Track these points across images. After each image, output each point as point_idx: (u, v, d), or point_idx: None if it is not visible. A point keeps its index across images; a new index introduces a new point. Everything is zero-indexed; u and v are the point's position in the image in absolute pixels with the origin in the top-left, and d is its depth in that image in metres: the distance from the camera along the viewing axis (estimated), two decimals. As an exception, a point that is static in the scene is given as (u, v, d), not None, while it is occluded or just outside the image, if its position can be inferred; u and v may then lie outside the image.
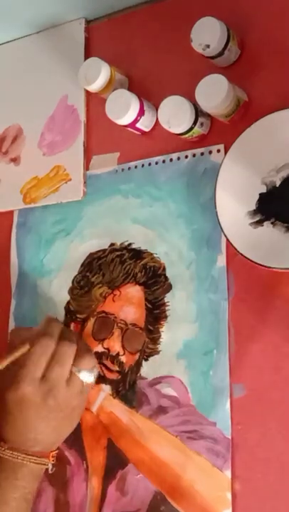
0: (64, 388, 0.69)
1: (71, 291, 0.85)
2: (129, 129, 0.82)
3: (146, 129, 0.83)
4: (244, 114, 0.76)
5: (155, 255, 0.80)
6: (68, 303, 0.85)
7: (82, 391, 0.71)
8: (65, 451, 0.81)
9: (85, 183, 0.87)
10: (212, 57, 0.77)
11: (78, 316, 0.84)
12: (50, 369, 0.69)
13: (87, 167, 0.88)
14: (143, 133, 0.83)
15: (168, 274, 0.79)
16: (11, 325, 0.89)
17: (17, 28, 0.96)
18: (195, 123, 0.76)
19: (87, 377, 0.71)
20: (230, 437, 0.71)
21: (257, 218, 0.73)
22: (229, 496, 0.69)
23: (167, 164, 0.81)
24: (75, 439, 0.80)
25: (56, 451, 0.72)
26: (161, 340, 0.77)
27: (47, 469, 0.71)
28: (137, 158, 0.84)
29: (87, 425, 0.80)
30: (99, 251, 0.84)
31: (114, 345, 0.80)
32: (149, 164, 0.83)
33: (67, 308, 0.85)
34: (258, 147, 0.72)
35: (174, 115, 0.76)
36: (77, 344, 0.71)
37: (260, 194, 0.73)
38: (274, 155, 0.73)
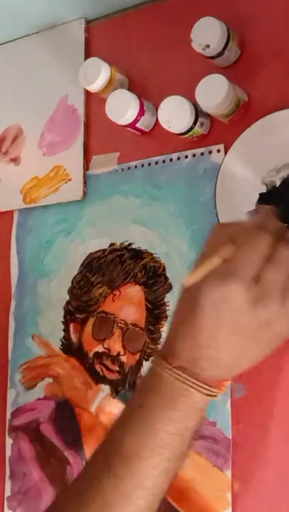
0: (278, 300, 0.52)
1: (71, 291, 0.85)
2: (129, 129, 0.82)
3: (146, 129, 0.83)
4: (244, 114, 0.76)
5: (155, 255, 0.80)
6: (68, 303, 0.85)
7: None
8: (64, 451, 0.81)
9: (85, 183, 0.87)
10: (212, 57, 0.77)
11: (78, 316, 0.84)
12: (265, 270, 0.53)
13: (87, 167, 0.88)
14: (143, 133, 0.83)
15: (168, 274, 0.79)
16: (11, 325, 0.89)
17: (17, 28, 0.96)
18: (195, 123, 0.76)
19: None
20: (230, 437, 0.71)
21: (257, 218, 0.73)
22: (229, 496, 0.69)
23: (167, 164, 0.81)
24: (74, 440, 0.80)
25: (229, 381, 0.57)
26: (161, 340, 0.77)
27: None
28: (137, 158, 0.84)
29: (86, 425, 0.80)
30: (99, 251, 0.84)
31: (115, 345, 0.80)
32: (149, 164, 0.83)
33: (66, 308, 0.85)
34: (258, 147, 0.72)
35: (174, 115, 0.76)
36: None
37: (260, 194, 0.73)
38: (274, 155, 0.73)
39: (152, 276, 0.80)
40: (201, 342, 0.53)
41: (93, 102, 0.89)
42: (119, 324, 0.80)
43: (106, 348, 0.80)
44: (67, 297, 0.86)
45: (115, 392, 0.79)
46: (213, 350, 0.53)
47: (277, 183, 0.73)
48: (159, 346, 0.77)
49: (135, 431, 0.55)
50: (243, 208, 0.73)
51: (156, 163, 0.82)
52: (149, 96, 0.83)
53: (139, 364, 0.78)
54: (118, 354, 0.79)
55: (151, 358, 0.77)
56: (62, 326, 0.85)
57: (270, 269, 0.53)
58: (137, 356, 0.78)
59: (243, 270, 0.52)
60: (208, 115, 0.77)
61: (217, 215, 0.72)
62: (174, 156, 0.81)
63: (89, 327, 0.83)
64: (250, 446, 0.70)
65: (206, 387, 0.54)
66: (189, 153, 0.80)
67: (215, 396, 0.55)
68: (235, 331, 0.53)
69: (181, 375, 0.53)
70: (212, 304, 0.52)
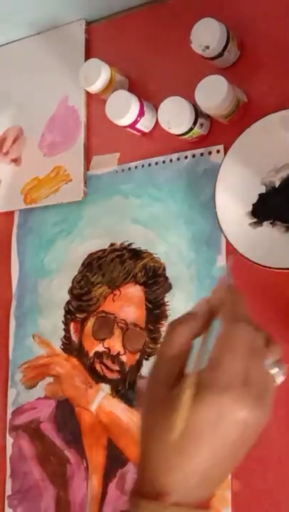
0: (265, 390, 0.47)
1: (71, 290, 0.86)
2: (129, 129, 0.82)
3: (146, 130, 0.83)
4: (244, 115, 0.76)
5: (155, 255, 0.80)
6: (68, 303, 0.86)
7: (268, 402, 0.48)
8: (64, 450, 0.81)
9: (85, 183, 0.87)
10: (212, 58, 0.77)
11: (78, 315, 0.84)
12: (250, 369, 0.46)
13: (87, 167, 0.88)
14: (143, 133, 0.84)
15: (168, 274, 0.79)
16: (12, 325, 0.90)
17: (18, 29, 0.96)
18: (195, 124, 0.76)
19: (280, 374, 0.49)
20: (229, 436, 0.71)
21: (256, 218, 0.73)
22: (229, 494, 0.70)
23: (167, 165, 0.81)
24: (75, 439, 0.80)
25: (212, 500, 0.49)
26: (161, 340, 0.77)
27: None
28: (137, 158, 0.84)
29: (86, 424, 0.80)
30: (99, 251, 0.85)
31: (115, 344, 0.80)
32: (149, 165, 0.83)
33: (67, 308, 0.86)
34: (257, 148, 0.72)
35: (174, 116, 0.76)
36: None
37: (259, 194, 0.74)
38: (273, 155, 0.73)
39: (152, 276, 0.80)
40: (198, 468, 0.45)
41: (93, 102, 0.89)
42: (119, 324, 0.80)
43: (106, 348, 0.81)
44: (67, 297, 0.86)
45: (115, 392, 0.79)
46: (209, 471, 0.45)
47: (277, 184, 0.73)
48: (158, 346, 0.77)
49: None
50: (243, 207, 0.73)
51: (156, 163, 0.82)
52: (149, 97, 0.83)
53: (139, 364, 0.78)
54: (118, 354, 0.80)
55: (150, 358, 0.77)
56: (62, 326, 0.85)
57: (252, 366, 0.46)
58: (137, 356, 0.79)
59: (235, 380, 0.45)
60: (207, 116, 0.78)
61: (217, 215, 0.72)
62: (174, 156, 0.81)
63: (89, 327, 0.83)
64: (249, 445, 0.70)
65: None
66: (189, 153, 0.80)
67: None
68: (226, 443, 0.45)
69: (180, 509, 0.45)
70: (209, 425, 0.44)
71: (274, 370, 0.48)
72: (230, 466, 0.47)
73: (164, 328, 0.78)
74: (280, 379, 0.48)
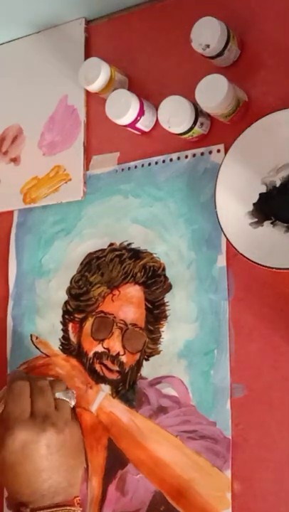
0: (56, 414, 0.69)
1: (69, 290, 0.85)
2: (129, 128, 0.82)
3: (146, 129, 0.83)
4: (244, 114, 0.76)
5: (155, 255, 0.80)
6: (66, 303, 0.85)
7: (73, 416, 0.73)
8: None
9: (85, 183, 0.87)
10: (212, 57, 0.77)
11: (77, 315, 0.84)
12: (35, 403, 0.69)
13: (87, 167, 0.88)
14: (143, 133, 0.83)
15: (168, 274, 0.79)
16: (10, 325, 0.89)
17: (17, 27, 0.96)
18: (195, 123, 0.76)
19: (70, 397, 0.74)
20: (230, 437, 0.71)
21: (257, 218, 0.73)
22: (229, 496, 0.69)
23: (167, 164, 0.81)
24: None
25: (79, 497, 0.70)
26: (161, 340, 0.77)
27: None
28: (137, 158, 0.84)
29: (86, 425, 0.79)
30: (98, 251, 0.84)
31: (115, 345, 0.80)
32: (149, 164, 0.83)
33: (65, 308, 0.85)
34: (258, 147, 0.72)
35: (174, 115, 0.76)
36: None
37: (260, 194, 0.73)
38: (274, 155, 0.73)
39: (152, 276, 0.80)
40: (34, 484, 0.66)
41: (93, 101, 0.89)
42: (118, 324, 0.80)
43: (105, 348, 0.80)
44: (66, 297, 0.85)
45: (115, 392, 0.79)
46: (47, 482, 0.66)
47: (277, 183, 0.73)
48: (158, 346, 0.77)
49: None
50: (243, 207, 0.73)
51: (156, 163, 0.82)
52: (149, 96, 0.83)
53: (138, 364, 0.78)
54: (118, 354, 0.79)
55: (150, 359, 0.77)
56: (61, 326, 0.85)
57: (37, 399, 0.69)
58: (137, 356, 0.78)
59: (20, 417, 0.66)
60: (208, 115, 0.77)
61: (217, 215, 0.72)
62: (174, 156, 0.81)
63: (88, 327, 0.83)
64: (250, 446, 0.70)
65: (62, 509, 0.65)
66: (189, 153, 0.80)
67: (75, 511, 0.67)
68: (50, 459, 0.67)
69: None
70: (16, 457, 0.65)
71: (66, 397, 0.73)
72: (72, 469, 0.69)
73: (163, 328, 0.77)
74: (72, 401, 0.74)
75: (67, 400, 0.74)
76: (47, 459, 0.66)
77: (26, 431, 0.66)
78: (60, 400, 0.72)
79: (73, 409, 0.76)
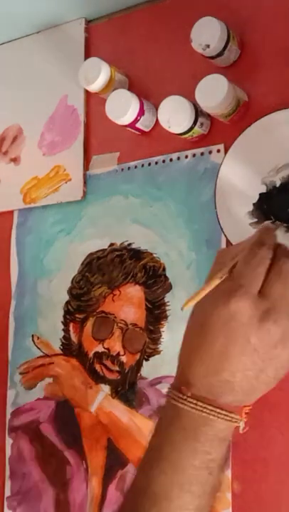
0: (287, 313, 0.51)
1: (70, 291, 0.85)
2: (129, 128, 0.82)
3: (146, 129, 0.83)
4: (244, 114, 0.76)
5: (155, 255, 0.80)
6: (68, 303, 0.85)
7: None
8: (64, 451, 0.81)
9: (85, 183, 0.87)
10: (212, 57, 0.76)
11: (77, 315, 0.84)
12: (269, 284, 0.52)
13: (87, 167, 0.88)
14: (143, 133, 0.83)
15: (168, 274, 0.79)
16: (11, 325, 0.89)
17: (17, 28, 0.96)
18: (195, 123, 0.76)
19: None
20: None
21: (257, 218, 0.73)
22: (229, 496, 0.69)
23: (167, 164, 0.81)
24: (75, 440, 0.80)
25: (250, 408, 0.54)
26: (162, 340, 0.77)
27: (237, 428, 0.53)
28: (137, 158, 0.84)
29: (86, 425, 0.80)
30: (98, 251, 0.84)
31: (115, 345, 0.80)
32: (149, 164, 0.83)
33: (66, 308, 0.85)
34: (258, 147, 0.72)
35: (174, 115, 0.76)
36: None
37: (260, 194, 0.73)
38: (274, 155, 0.72)
39: (152, 276, 0.80)
40: (213, 365, 0.51)
41: (93, 102, 0.89)
42: (119, 324, 0.80)
43: (106, 348, 0.80)
44: (67, 297, 0.86)
45: (115, 392, 0.79)
46: (226, 373, 0.50)
47: (277, 183, 0.73)
48: (159, 346, 0.77)
49: (160, 469, 0.52)
50: (243, 207, 0.73)
51: (156, 163, 0.82)
52: (149, 96, 0.83)
53: (139, 364, 0.78)
54: (118, 354, 0.79)
55: (150, 359, 0.77)
56: (62, 326, 0.85)
57: (274, 283, 0.52)
58: (137, 356, 0.78)
59: (248, 285, 0.51)
60: (208, 115, 0.77)
61: (217, 215, 0.72)
62: (174, 156, 0.81)
63: (89, 327, 0.83)
64: (250, 446, 0.70)
65: (225, 413, 0.51)
66: (189, 153, 0.80)
67: (236, 423, 0.52)
68: (247, 351, 0.50)
69: (198, 403, 0.50)
70: (220, 322, 0.50)
71: None
72: (261, 377, 0.51)
73: (164, 329, 0.77)
74: None
75: None
76: (243, 349, 0.50)
77: (250, 304, 0.50)
78: None
79: None
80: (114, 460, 0.77)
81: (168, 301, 0.78)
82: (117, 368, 0.79)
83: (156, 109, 0.79)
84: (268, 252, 0.53)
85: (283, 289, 0.52)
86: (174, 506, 0.51)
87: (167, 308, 0.78)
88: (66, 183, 0.88)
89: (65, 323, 0.85)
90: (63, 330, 0.85)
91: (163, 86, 0.82)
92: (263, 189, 0.73)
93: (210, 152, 0.78)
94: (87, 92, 0.88)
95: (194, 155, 0.80)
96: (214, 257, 0.59)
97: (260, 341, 0.50)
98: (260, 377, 0.51)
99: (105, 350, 0.80)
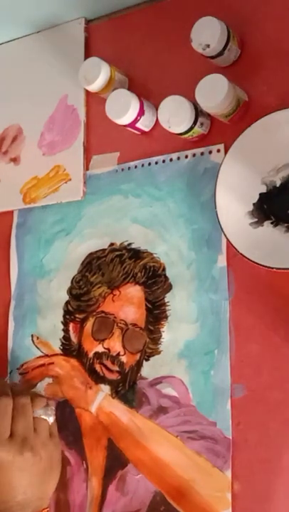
0: (34, 436, 0.70)
1: (70, 291, 0.85)
2: (129, 128, 0.82)
3: (146, 129, 0.83)
4: (244, 114, 0.76)
5: (155, 255, 0.80)
6: (67, 303, 0.85)
7: (52, 433, 0.74)
8: (65, 451, 0.80)
9: (84, 182, 0.87)
10: (212, 57, 0.77)
11: (77, 316, 0.84)
12: (15, 424, 0.70)
13: (87, 167, 0.88)
14: (143, 133, 0.83)
15: (168, 274, 0.79)
16: (11, 325, 0.89)
17: (17, 27, 0.96)
18: (195, 123, 0.76)
19: (49, 414, 0.75)
20: (230, 437, 0.71)
21: (257, 218, 0.73)
22: (229, 496, 0.69)
23: (167, 164, 0.81)
24: (75, 440, 0.80)
25: (48, 509, 0.72)
26: (162, 340, 0.77)
27: None
28: (137, 158, 0.84)
29: (86, 425, 0.80)
30: (98, 251, 0.84)
31: (115, 345, 0.80)
32: (149, 164, 0.83)
33: (66, 308, 0.85)
34: (258, 147, 0.72)
35: (174, 115, 0.76)
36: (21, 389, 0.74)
37: (260, 194, 0.73)
38: (274, 155, 0.73)
39: (152, 276, 0.79)
40: (5, 497, 0.68)
41: (93, 101, 0.89)
42: (119, 324, 0.80)
43: (106, 348, 0.80)
44: (66, 297, 0.85)
45: (115, 392, 0.79)
46: (19, 496, 0.68)
47: (278, 183, 0.73)
48: (159, 346, 0.77)
49: None
50: (243, 207, 0.73)
51: (156, 163, 0.82)
52: (149, 96, 0.83)
53: (139, 364, 0.78)
54: (118, 354, 0.79)
55: (150, 359, 0.77)
56: (61, 326, 0.85)
57: (18, 420, 0.70)
58: (137, 356, 0.78)
59: (0, 436, 0.68)
60: (208, 115, 0.77)
61: (217, 215, 0.72)
62: (174, 155, 0.81)
63: (89, 327, 0.83)
64: (250, 446, 0.70)
65: None
66: (189, 153, 0.80)
67: None
68: (25, 476, 0.68)
69: None
70: None
71: (45, 415, 0.74)
72: (44, 484, 0.71)
73: (164, 329, 0.77)
74: (51, 418, 0.74)
75: (46, 418, 0.74)
76: (20, 477, 0.68)
77: (4, 452, 0.68)
78: (40, 419, 0.73)
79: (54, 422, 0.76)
80: (115, 460, 0.77)
81: (168, 301, 0.78)
82: (117, 368, 0.79)
83: (156, 109, 0.79)
84: (6, 398, 0.70)
85: (25, 421, 0.70)
86: None
87: (167, 308, 0.78)
88: (66, 183, 0.88)
89: (65, 323, 0.85)
90: (63, 330, 0.85)
91: (163, 86, 0.82)
92: (263, 189, 0.73)
93: (210, 152, 0.78)
94: (87, 92, 0.88)
95: (194, 155, 0.79)
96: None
97: (28, 466, 0.69)
98: (42, 486, 0.71)
99: (105, 351, 0.80)
